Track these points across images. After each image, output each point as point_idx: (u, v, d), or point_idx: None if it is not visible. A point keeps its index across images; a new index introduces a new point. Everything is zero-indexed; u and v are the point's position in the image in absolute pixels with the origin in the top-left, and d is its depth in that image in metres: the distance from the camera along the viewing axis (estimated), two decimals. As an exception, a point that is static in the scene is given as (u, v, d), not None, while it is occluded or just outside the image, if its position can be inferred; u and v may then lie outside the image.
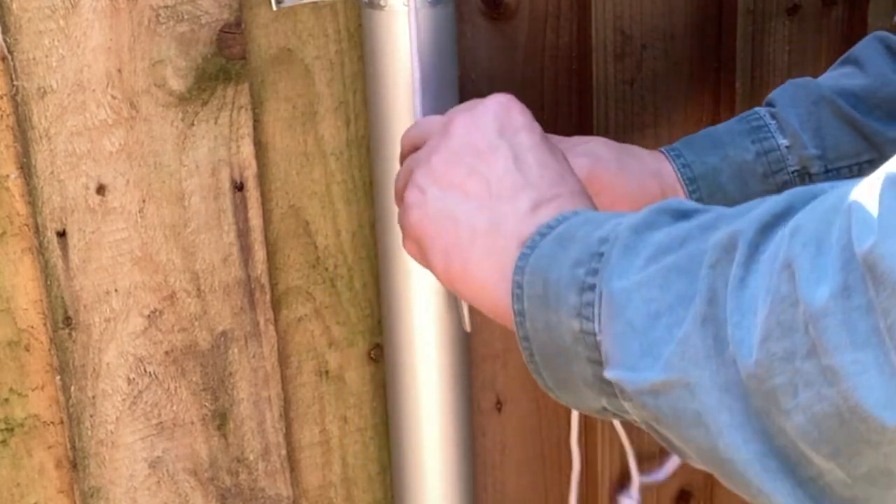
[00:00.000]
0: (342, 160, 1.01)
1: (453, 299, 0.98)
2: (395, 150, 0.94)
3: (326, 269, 1.04)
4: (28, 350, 0.94)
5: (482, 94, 1.05)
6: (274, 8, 0.95)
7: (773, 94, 0.99)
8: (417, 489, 1.05)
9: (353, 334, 1.06)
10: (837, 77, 0.99)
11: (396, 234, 0.97)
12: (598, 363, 0.68)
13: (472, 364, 1.08)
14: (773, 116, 0.97)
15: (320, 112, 0.99)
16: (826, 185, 0.62)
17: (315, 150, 1.00)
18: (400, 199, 0.83)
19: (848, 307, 0.55)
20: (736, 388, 0.60)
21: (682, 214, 0.69)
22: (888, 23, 1.14)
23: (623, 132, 1.11)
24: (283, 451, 1.06)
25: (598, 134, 1.10)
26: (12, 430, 0.96)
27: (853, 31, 1.16)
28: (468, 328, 0.98)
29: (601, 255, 0.69)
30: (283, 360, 1.04)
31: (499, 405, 1.16)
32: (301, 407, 1.06)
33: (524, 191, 0.77)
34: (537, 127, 0.81)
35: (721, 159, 0.96)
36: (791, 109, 0.97)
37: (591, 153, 0.94)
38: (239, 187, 0.97)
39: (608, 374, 0.67)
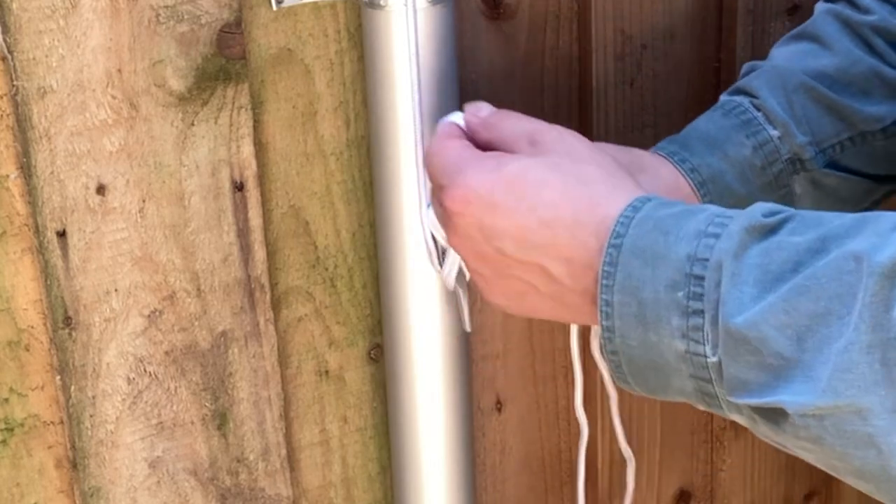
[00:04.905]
0: (342, 160, 1.01)
1: (454, 298, 0.98)
2: (396, 150, 0.94)
3: (326, 269, 1.04)
4: (28, 350, 0.94)
5: (482, 94, 1.05)
6: (274, 8, 0.95)
7: (750, 83, 0.99)
8: (417, 489, 1.05)
9: (353, 334, 1.06)
10: (803, 57, 0.99)
11: (396, 234, 0.97)
12: (705, 380, 0.72)
13: (472, 364, 1.08)
14: (758, 108, 0.97)
15: (320, 112, 0.99)
16: None
17: (315, 150, 1.00)
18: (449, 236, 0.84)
19: None
20: None
21: (771, 230, 0.71)
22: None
23: (623, 132, 1.11)
24: (283, 451, 1.06)
25: (598, 134, 1.10)
26: (12, 430, 0.96)
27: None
28: (468, 328, 0.98)
29: (698, 277, 0.72)
30: (283, 360, 1.04)
31: (499, 405, 1.16)
32: (301, 407, 1.06)
33: (574, 210, 0.77)
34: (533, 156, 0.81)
35: (722, 159, 0.96)
36: (772, 99, 0.97)
37: None
38: (239, 187, 0.97)
39: (762, 400, 0.69)
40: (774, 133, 0.97)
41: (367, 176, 1.02)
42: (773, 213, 0.73)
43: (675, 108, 1.14)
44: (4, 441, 0.96)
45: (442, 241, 0.95)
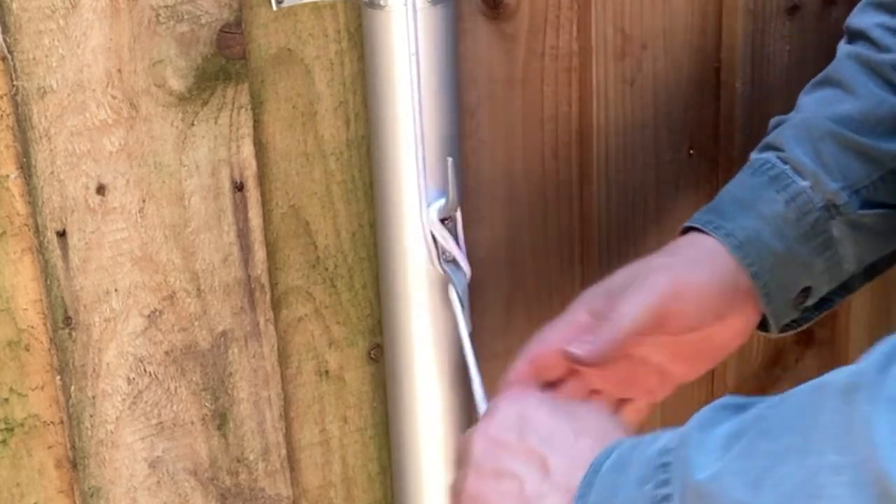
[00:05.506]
0: (342, 160, 1.01)
1: (453, 300, 0.98)
2: (396, 150, 0.94)
3: (326, 269, 1.04)
4: (28, 350, 0.94)
5: (482, 93, 1.05)
6: (274, 8, 0.95)
7: (776, 137, 0.99)
8: (417, 489, 1.05)
9: (353, 334, 1.06)
10: (827, 104, 0.99)
11: (396, 234, 0.97)
12: None
13: (472, 364, 1.08)
14: (785, 161, 0.97)
15: (320, 112, 0.99)
16: None
17: (315, 150, 1.00)
18: None
19: None
20: None
21: (741, 407, 0.72)
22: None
23: (623, 132, 1.11)
24: (283, 451, 1.06)
25: (598, 134, 1.10)
26: (12, 430, 0.96)
27: (853, 31, 1.16)
28: (468, 328, 0.98)
29: (665, 464, 0.72)
30: (283, 360, 1.04)
31: (499, 405, 1.15)
32: (301, 407, 1.06)
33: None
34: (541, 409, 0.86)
35: (756, 219, 0.96)
36: (799, 149, 0.97)
37: (672, 276, 0.94)
38: (239, 187, 0.97)
39: None
40: (805, 184, 0.96)
41: (367, 176, 1.02)
42: (743, 398, 0.74)
43: (675, 108, 1.14)
44: (4, 441, 0.96)
45: (442, 241, 0.95)
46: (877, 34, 0.99)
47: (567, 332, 0.94)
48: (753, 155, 1.00)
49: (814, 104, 1.00)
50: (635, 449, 0.77)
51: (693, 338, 0.96)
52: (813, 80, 1.02)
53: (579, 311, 0.96)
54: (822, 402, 0.66)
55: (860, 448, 0.62)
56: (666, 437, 0.75)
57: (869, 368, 0.64)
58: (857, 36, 1.01)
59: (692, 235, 0.97)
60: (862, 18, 1.01)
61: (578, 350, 0.92)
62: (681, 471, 0.71)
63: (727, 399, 0.74)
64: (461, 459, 0.89)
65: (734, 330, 0.97)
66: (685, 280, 0.94)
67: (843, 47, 1.02)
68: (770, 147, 0.99)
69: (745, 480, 0.67)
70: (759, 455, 0.67)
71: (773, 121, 1.02)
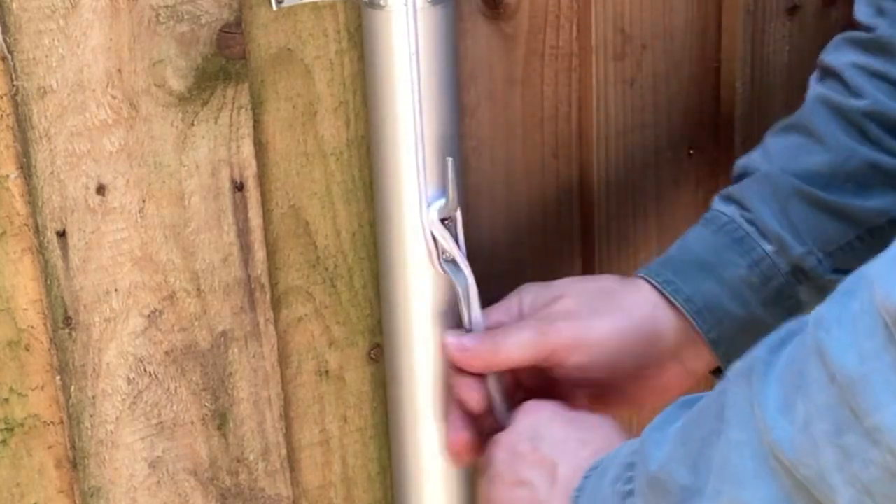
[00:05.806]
0: (342, 160, 1.01)
1: (455, 298, 0.98)
2: (396, 150, 0.94)
3: (326, 269, 1.04)
4: (28, 350, 0.94)
5: (482, 93, 1.05)
6: (274, 8, 0.95)
7: (741, 192, 0.95)
8: (417, 489, 1.05)
9: (353, 334, 1.06)
10: (794, 156, 0.95)
11: (396, 234, 0.97)
12: None
13: (472, 364, 1.08)
14: (751, 222, 0.94)
15: (320, 112, 0.99)
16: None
17: (315, 150, 1.00)
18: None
19: (883, 365, 0.59)
20: (782, 491, 0.66)
21: (692, 402, 0.77)
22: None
23: (623, 132, 1.11)
24: (283, 451, 1.06)
25: (598, 134, 1.10)
26: (12, 430, 0.96)
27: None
28: (469, 328, 0.98)
29: (631, 463, 0.78)
30: (283, 360, 1.04)
31: (499, 405, 1.16)
32: (301, 407, 1.06)
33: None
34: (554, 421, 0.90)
35: (717, 283, 0.93)
36: (766, 210, 0.94)
37: (575, 327, 0.94)
38: (239, 187, 0.97)
39: None
40: (769, 248, 0.93)
41: (367, 176, 1.02)
42: (696, 395, 0.78)
43: (675, 108, 1.14)
44: (4, 441, 0.96)
45: (442, 241, 0.95)
46: (849, 74, 0.95)
47: (498, 316, 0.97)
48: (717, 205, 0.97)
49: (782, 153, 0.96)
50: (616, 454, 0.81)
51: (608, 388, 0.96)
52: (782, 122, 0.98)
53: (514, 300, 0.98)
54: (730, 386, 0.71)
55: (755, 422, 0.67)
56: (636, 440, 0.80)
57: (762, 352, 0.69)
58: (829, 74, 0.97)
59: (641, 285, 0.95)
60: (836, 56, 0.97)
61: (452, 342, 0.95)
62: (641, 466, 0.77)
63: (683, 398, 0.79)
64: (485, 467, 0.93)
65: (659, 385, 0.97)
66: (588, 336, 0.94)
67: (814, 87, 0.98)
68: (734, 200, 0.96)
69: (686, 465, 0.73)
70: (693, 441, 0.73)
71: (738, 164, 0.98)
